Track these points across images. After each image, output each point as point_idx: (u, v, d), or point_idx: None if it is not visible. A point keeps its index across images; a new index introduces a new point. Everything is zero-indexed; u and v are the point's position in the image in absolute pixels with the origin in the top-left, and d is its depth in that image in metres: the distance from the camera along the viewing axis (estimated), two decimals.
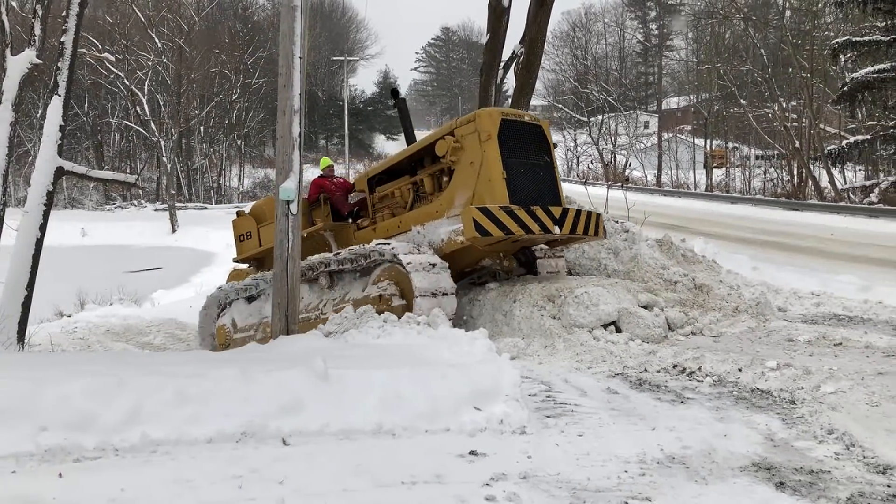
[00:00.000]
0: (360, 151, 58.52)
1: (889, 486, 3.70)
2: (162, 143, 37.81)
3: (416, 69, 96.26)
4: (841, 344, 6.81)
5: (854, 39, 26.82)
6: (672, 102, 62.26)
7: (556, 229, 8.26)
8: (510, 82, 17.06)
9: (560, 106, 58.50)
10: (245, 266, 11.69)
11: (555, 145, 9.19)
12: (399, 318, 7.45)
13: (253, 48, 47.89)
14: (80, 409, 4.14)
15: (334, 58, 57.26)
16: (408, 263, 7.80)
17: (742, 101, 38.57)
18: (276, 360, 5.44)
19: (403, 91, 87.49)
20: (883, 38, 25.61)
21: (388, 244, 8.22)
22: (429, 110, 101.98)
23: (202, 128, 46.74)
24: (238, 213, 11.70)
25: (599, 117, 50.07)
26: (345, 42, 67.17)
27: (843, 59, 28.56)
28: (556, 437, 4.47)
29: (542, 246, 9.67)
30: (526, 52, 15.18)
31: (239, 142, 50.12)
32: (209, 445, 4.19)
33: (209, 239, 31.28)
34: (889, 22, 25.57)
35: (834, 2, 29.23)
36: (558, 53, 63.68)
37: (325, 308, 8.84)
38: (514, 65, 15.75)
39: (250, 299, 10.38)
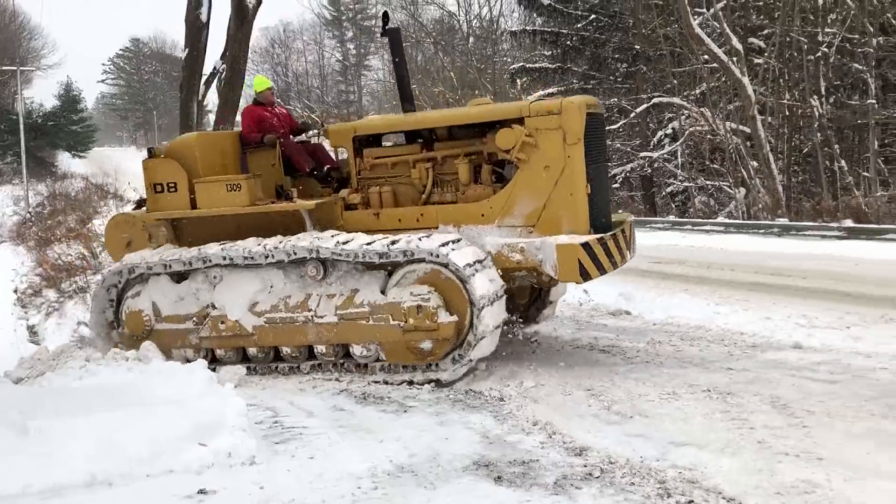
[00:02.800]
0: (40, 171, 52.62)
1: (586, 466, 4.22)
2: None
3: (103, 81, 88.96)
4: (535, 340, 7.60)
5: (528, 66, 30.08)
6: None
7: (629, 255, 6.98)
8: (212, 98, 16.55)
9: None
10: (137, 211, 8.10)
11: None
12: (448, 339, 6.07)
13: None
14: None
15: (4, 67, 50.95)
16: (480, 297, 5.99)
17: None
18: None
19: (90, 104, 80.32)
20: (550, 66, 29.02)
21: (449, 247, 6.20)
22: (121, 125, 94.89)
23: None
24: (151, 153, 7.74)
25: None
26: (16, 50, 60.08)
27: (519, 83, 31.85)
28: (288, 463, 4.44)
29: None
30: (228, 68, 14.85)
31: None
32: None
33: None
34: (554, 52, 29.06)
35: (510, 31, 32.50)
36: (259, 69, 62.88)
37: (319, 308, 6.54)
38: (215, 81, 15.31)
39: (178, 277, 7.34)
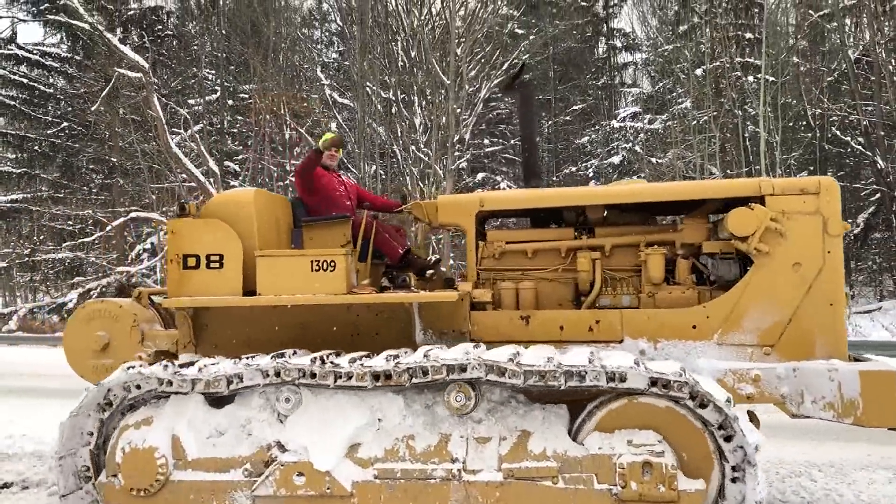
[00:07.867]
0: None
1: None
2: None
3: None
4: None
5: None
6: None
7: None
8: None
9: None
10: (123, 300, 5.53)
11: None
12: None
13: None
14: None
15: None
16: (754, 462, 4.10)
17: None
18: None
19: None
20: (14, 170, 26.49)
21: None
22: None
23: None
24: (184, 209, 5.19)
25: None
26: None
27: None
28: None
29: None
30: None
31: None
32: None
33: None
34: (19, 155, 26.68)
35: None
36: None
37: (469, 458, 4.29)
38: None
39: (218, 401, 4.74)
